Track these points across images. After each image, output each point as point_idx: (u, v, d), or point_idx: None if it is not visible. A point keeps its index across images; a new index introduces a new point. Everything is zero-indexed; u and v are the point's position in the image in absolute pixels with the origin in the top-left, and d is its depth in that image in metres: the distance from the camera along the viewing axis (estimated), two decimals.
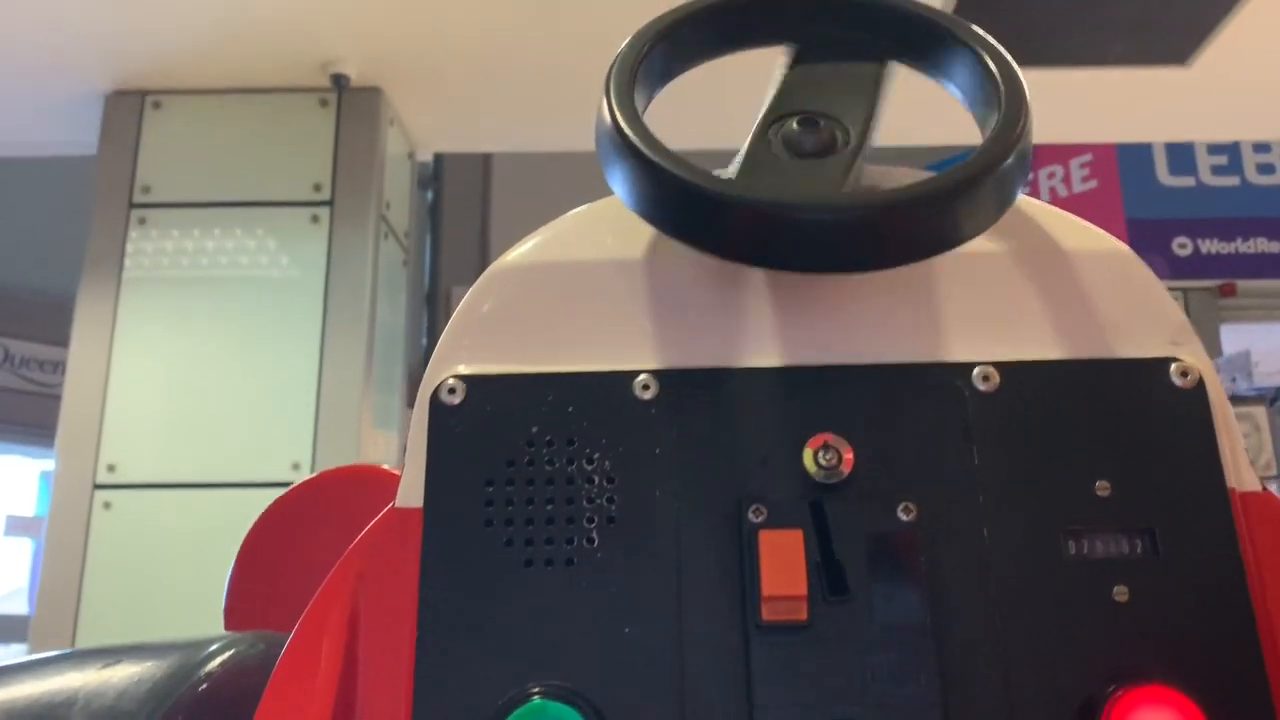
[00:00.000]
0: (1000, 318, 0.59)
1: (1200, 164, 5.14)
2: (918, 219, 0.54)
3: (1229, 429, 0.56)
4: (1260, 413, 4.95)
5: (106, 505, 3.46)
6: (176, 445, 3.52)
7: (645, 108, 0.58)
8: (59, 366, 4.78)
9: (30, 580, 5.97)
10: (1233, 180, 5.15)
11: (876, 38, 0.63)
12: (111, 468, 3.48)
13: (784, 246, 0.54)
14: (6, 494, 6.61)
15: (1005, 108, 0.56)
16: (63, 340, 3.85)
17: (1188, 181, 5.13)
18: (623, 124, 0.55)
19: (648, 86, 0.60)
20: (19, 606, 6.00)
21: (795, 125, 0.58)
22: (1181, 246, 5.03)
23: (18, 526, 6.43)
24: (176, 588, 3.40)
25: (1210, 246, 5.06)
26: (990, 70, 0.58)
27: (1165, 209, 5.01)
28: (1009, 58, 0.58)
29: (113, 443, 3.43)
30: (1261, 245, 5.04)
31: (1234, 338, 5.10)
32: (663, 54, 0.61)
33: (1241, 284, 5.04)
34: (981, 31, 0.60)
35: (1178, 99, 3.95)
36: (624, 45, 0.59)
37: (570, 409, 0.56)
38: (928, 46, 0.62)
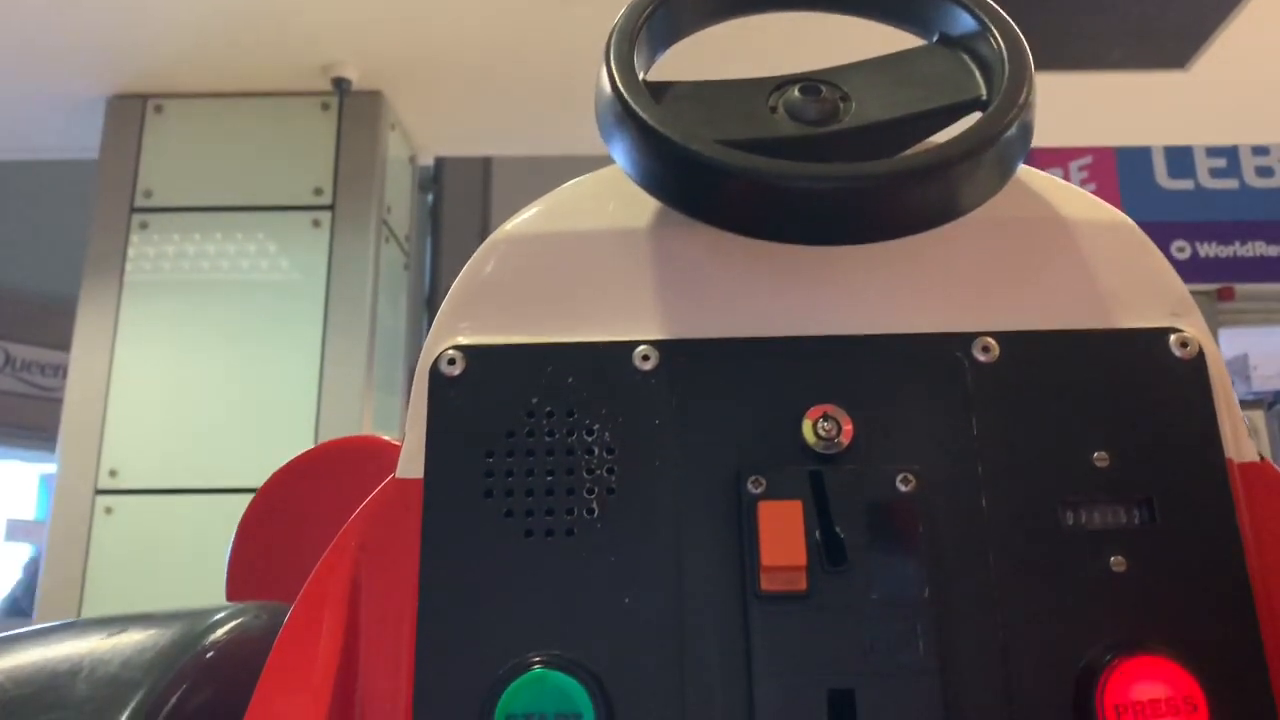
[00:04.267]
0: (1000, 288, 0.59)
1: (1199, 167, 5.14)
2: (919, 190, 0.54)
3: (1228, 400, 0.56)
4: (1258, 417, 4.95)
5: (108, 510, 3.46)
6: (178, 450, 3.52)
7: (646, 74, 0.58)
8: (60, 370, 4.78)
9: (13, 585, 5.91)
10: (1231, 183, 5.15)
11: (879, 2, 0.63)
12: (113, 472, 3.48)
13: (785, 218, 0.55)
14: (7, 498, 6.60)
15: (1008, 76, 0.56)
16: (64, 344, 3.85)
17: (1186, 184, 5.13)
18: (623, 92, 0.55)
19: (649, 52, 0.60)
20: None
21: (798, 92, 0.58)
22: (1180, 250, 5.03)
23: (18, 530, 6.42)
24: (178, 593, 3.39)
25: (1209, 250, 5.06)
26: (993, 36, 0.58)
27: (1164, 212, 5.01)
28: (1012, 23, 0.58)
29: (114, 447, 3.43)
30: (1260, 249, 5.04)
31: (1232, 341, 5.10)
32: (664, 19, 0.60)
33: (1240, 287, 5.03)
34: None
35: (1177, 102, 3.95)
36: (622, 12, 0.59)
37: (570, 380, 0.56)
38: (932, 13, 0.62)
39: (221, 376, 3.59)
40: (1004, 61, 0.57)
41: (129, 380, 3.59)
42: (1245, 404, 4.87)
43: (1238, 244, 5.09)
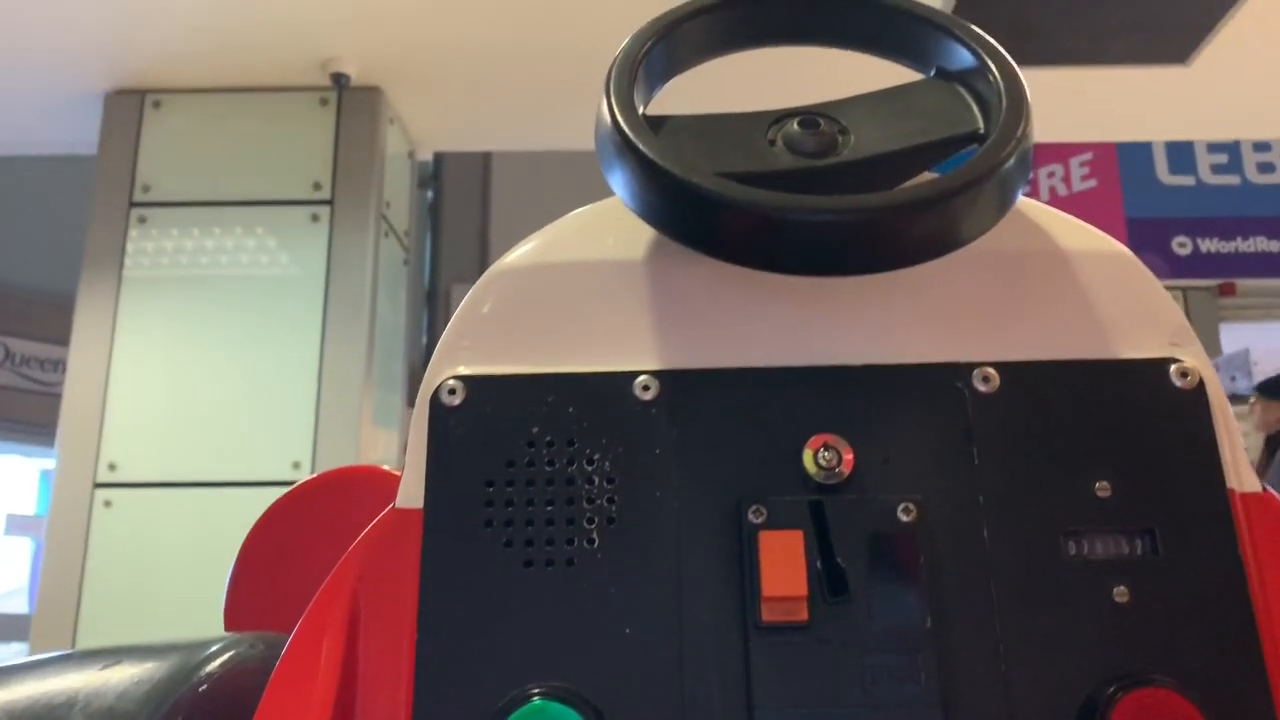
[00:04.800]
0: (1000, 319, 0.59)
1: (1200, 163, 5.14)
2: (919, 222, 0.54)
3: (1229, 430, 0.56)
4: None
5: (107, 504, 3.46)
6: (177, 444, 3.52)
7: (645, 107, 0.58)
8: (59, 365, 4.78)
9: (30, 579, 5.97)
10: (1233, 179, 5.14)
11: (877, 37, 0.63)
12: (112, 466, 3.48)
13: (784, 250, 0.54)
14: (7, 493, 6.61)
15: (1006, 109, 0.56)
16: (63, 339, 3.84)
17: (1187, 180, 5.13)
18: (623, 124, 0.55)
19: (648, 85, 0.60)
20: (19, 605, 6.00)
21: (796, 125, 0.58)
22: (1181, 245, 5.02)
23: (18, 525, 6.43)
24: (177, 586, 3.40)
25: (1210, 245, 5.06)
26: (990, 71, 0.58)
27: (1165, 208, 5.01)
28: (1009, 59, 0.58)
29: (113, 441, 3.43)
30: (1261, 244, 5.04)
31: (1233, 337, 5.10)
32: (663, 53, 0.60)
33: (1241, 283, 5.04)
34: (982, 32, 0.60)
35: (1178, 98, 3.95)
36: (624, 44, 0.59)
37: (570, 409, 0.56)
38: (928, 46, 0.62)
39: (220, 371, 3.59)
40: (1001, 95, 0.56)
41: (128, 375, 3.59)
42: (1246, 399, 4.88)
43: (1239, 239, 5.09)
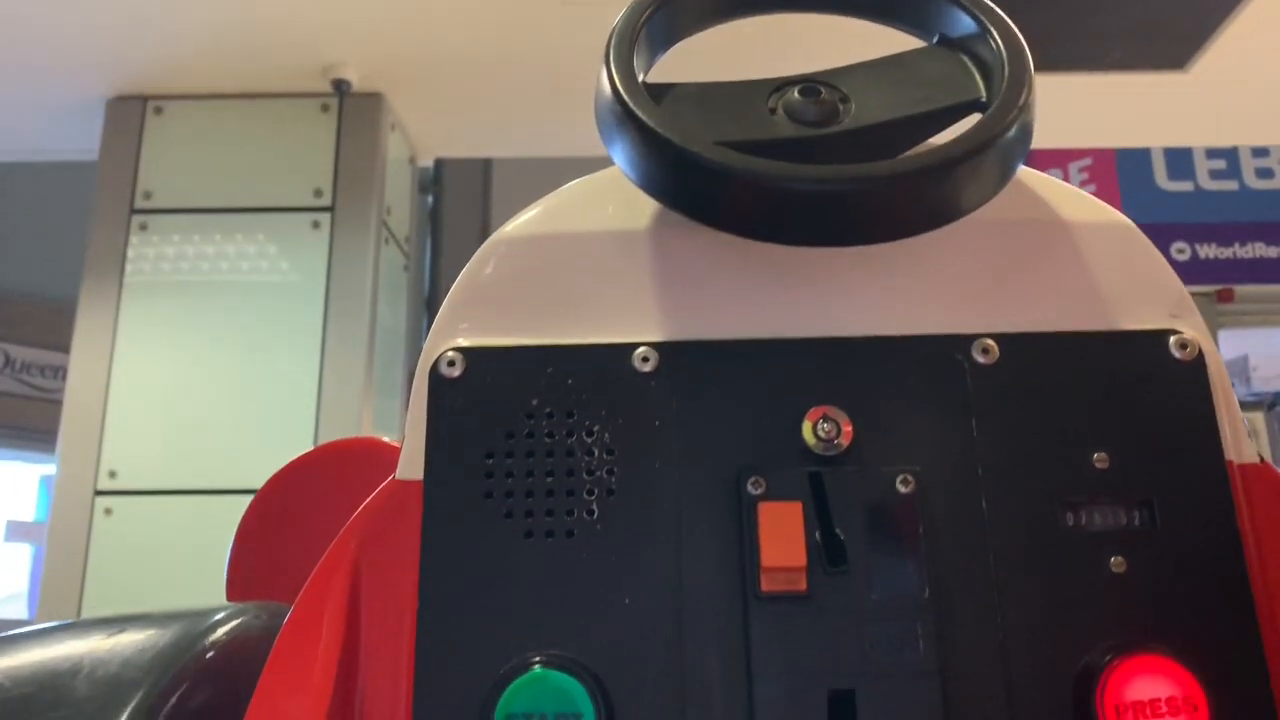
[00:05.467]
0: (1000, 290, 0.59)
1: (1199, 168, 5.14)
2: (919, 192, 0.54)
3: (1228, 401, 0.56)
4: (1258, 418, 4.95)
5: (107, 511, 3.46)
6: (178, 451, 3.52)
7: (645, 75, 0.58)
8: (60, 372, 4.78)
9: (30, 585, 5.96)
10: (1231, 185, 5.15)
11: (878, 3, 0.63)
12: (113, 474, 3.48)
13: (785, 220, 0.55)
14: (7, 499, 6.60)
15: (1008, 77, 0.56)
16: (64, 345, 3.84)
17: (1186, 186, 5.13)
18: (623, 93, 0.55)
19: (648, 54, 0.60)
20: (19, 611, 5.99)
21: (797, 94, 0.58)
22: (1180, 251, 5.02)
23: (18, 532, 6.42)
24: (177, 594, 3.39)
25: (1208, 251, 5.06)
26: (993, 38, 0.58)
27: (1164, 213, 5.01)
28: (1013, 26, 0.58)
29: (114, 449, 3.42)
30: (1260, 250, 5.04)
31: (1232, 343, 5.10)
32: (663, 20, 0.60)
33: (1240, 289, 5.03)
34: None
35: (1176, 104, 3.95)
36: (623, 12, 0.59)
37: (570, 381, 0.56)
38: (930, 13, 0.62)
39: (221, 378, 3.59)
40: (1004, 63, 0.57)
41: (129, 382, 3.59)
42: (1245, 405, 4.87)
43: (1237, 245, 5.09)
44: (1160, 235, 5.02)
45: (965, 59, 0.60)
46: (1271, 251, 5.09)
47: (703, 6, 0.63)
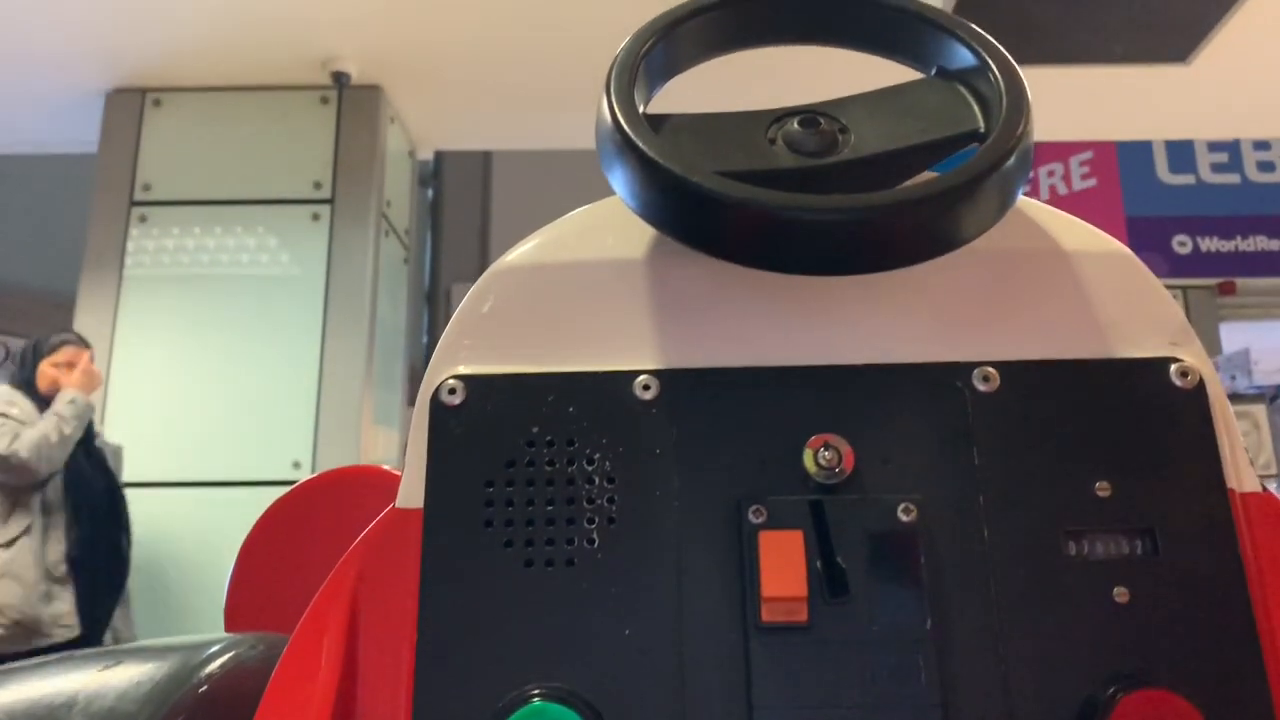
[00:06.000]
0: (1000, 318, 0.58)
1: (1200, 162, 5.13)
2: (920, 221, 0.54)
3: (1229, 429, 0.56)
4: (1260, 411, 4.95)
5: None
6: (177, 443, 3.52)
7: (646, 106, 0.58)
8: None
9: None
10: (1233, 178, 5.14)
11: (877, 36, 0.63)
12: None
13: (785, 249, 0.54)
14: None
15: (1006, 108, 0.56)
16: None
17: (1188, 179, 5.13)
18: (623, 123, 0.55)
19: (648, 84, 0.60)
20: None
21: (796, 124, 0.58)
22: (1181, 244, 5.02)
23: None
24: (178, 584, 3.41)
25: (1210, 244, 5.06)
26: (991, 71, 0.58)
27: (1165, 207, 5.00)
28: (1010, 58, 0.58)
29: (113, 440, 3.43)
30: (1261, 243, 5.04)
31: (1233, 336, 5.10)
32: (663, 52, 0.60)
33: (1241, 282, 5.03)
34: (983, 31, 0.60)
35: (1178, 97, 3.95)
36: (624, 44, 0.59)
37: (570, 409, 0.56)
38: (928, 46, 0.61)
39: (221, 370, 3.59)
40: (1001, 94, 0.56)
41: (128, 374, 3.59)
42: (1246, 398, 4.88)
43: (1239, 238, 5.09)
44: (1161, 228, 5.01)
45: (963, 90, 0.60)
46: (1273, 244, 5.09)
47: (704, 38, 0.62)
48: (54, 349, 3.09)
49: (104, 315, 3.68)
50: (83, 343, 3.16)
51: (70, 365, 3.06)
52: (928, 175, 0.58)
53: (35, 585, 2.84)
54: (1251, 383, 5.08)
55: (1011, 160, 0.54)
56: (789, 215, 0.53)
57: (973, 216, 0.54)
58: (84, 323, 3.64)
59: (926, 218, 0.53)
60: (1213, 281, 5.02)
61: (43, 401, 2.98)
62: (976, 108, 0.58)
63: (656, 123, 0.57)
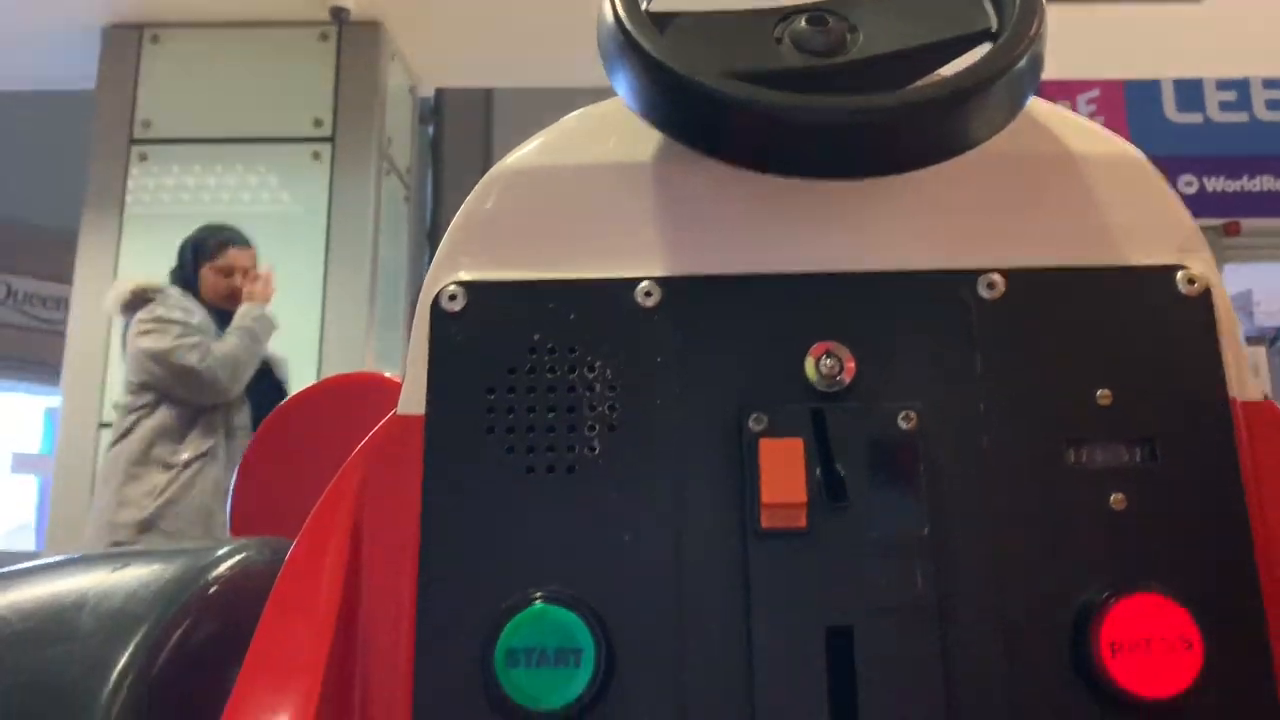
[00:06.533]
0: (1007, 224, 0.58)
1: (1209, 100, 5.07)
2: (927, 123, 0.53)
3: (1233, 338, 0.56)
4: (1260, 353, 4.94)
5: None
6: None
7: (649, 4, 0.57)
8: (62, 303, 4.77)
9: (38, 516, 6.03)
10: (1241, 117, 5.08)
11: None
12: (116, 406, 3.49)
13: (790, 151, 0.54)
14: (12, 431, 6.65)
15: (1020, 8, 0.55)
16: (66, 276, 3.84)
17: (1195, 118, 5.07)
18: (625, 22, 0.54)
19: None
20: (27, 542, 6.06)
21: (804, 23, 0.57)
22: (1188, 184, 4.97)
23: (24, 463, 6.48)
24: None
25: (1216, 184, 5.01)
26: None
27: (1172, 146, 4.94)
28: None
29: (117, 381, 3.43)
30: (1268, 183, 4.99)
31: (1236, 278, 5.07)
32: None
33: (1246, 223, 4.99)
34: None
35: (1189, 34, 3.89)
36: None
37: (572, 316, 0.56)
38: None
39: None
40: None
41: None
42: (1248, 340, 4.87)
43: (1246, 178, 5.04)
44: (1168, 168, 4.96)
45: None
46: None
47: None
48: (216, 251, 2.88)
49: (106, 253, 3.67)
50: (245, 242, 2.96)
51: (229, 271, 2.88)
52: (938, 75, 0.57)
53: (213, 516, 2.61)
54: (1253, 325, 5.07)
55: (1023, 61, 0.53)
56: (794, 116, 0.52)
57: (981, 119, 0.54)
58: (86, 261, 3.63)
59: (935, 120, 0.53)
60: (1218, 222, 4.98)
61: (209, 308, 2.81)
62: (989, 6, 0.57)
63: (660, 21, 0.56)
